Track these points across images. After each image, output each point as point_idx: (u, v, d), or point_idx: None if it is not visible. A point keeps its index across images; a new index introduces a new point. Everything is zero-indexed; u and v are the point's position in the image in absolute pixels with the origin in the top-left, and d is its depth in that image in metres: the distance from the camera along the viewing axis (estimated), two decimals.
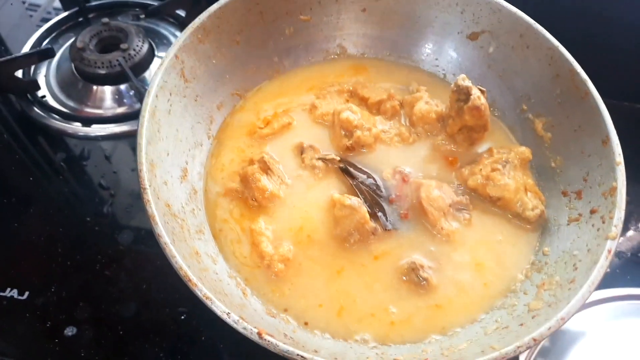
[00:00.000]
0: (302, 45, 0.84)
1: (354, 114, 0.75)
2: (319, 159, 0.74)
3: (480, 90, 0.71)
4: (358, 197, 0.68)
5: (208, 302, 0.51)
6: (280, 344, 0.49)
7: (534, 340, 0.52)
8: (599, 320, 0.78)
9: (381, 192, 0.71)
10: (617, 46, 0.98)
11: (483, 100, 0.70)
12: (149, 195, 0.56)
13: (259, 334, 0.49)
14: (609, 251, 0.58)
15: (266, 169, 0.71)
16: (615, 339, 0.74)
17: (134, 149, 0.96)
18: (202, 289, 0.51)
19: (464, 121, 0.72)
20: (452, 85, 0.72)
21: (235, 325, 0.50)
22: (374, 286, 0.64)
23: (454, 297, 0.64)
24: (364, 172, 0.73)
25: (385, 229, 0.68)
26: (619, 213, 0.60)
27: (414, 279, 0.64)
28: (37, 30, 1.14)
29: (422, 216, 0.69)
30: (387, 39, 0.86)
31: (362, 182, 0.71)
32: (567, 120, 0.72)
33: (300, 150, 0.75)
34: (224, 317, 0.50)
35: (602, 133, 0.66)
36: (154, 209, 0.56)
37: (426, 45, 0.85)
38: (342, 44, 0.87)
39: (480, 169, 0.71)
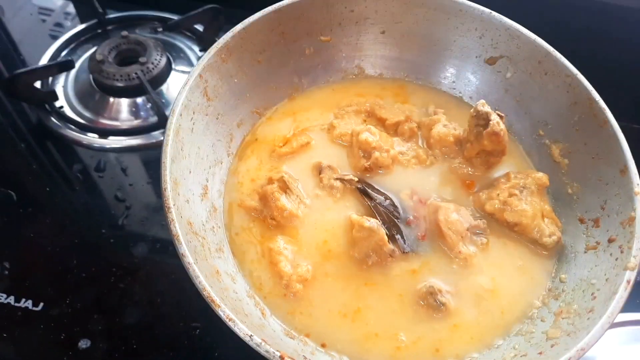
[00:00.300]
0: (322, 65, 0.85)
1: (372, 135, 0.75)
2: (337, 179, 0.74)
3: (499, 115, 0.72)
4: (376, 218, 0.69)
5: (231, 324, 0.51)
6: None
7: None
8: (610, 345, 0.78)
9: (399, 213, 0.72)
10: (629, 68, 0.99)
11: (502, 125, 0.71)
12: (173, 215, 0.57)
13: (282, 357, 0.49)
14: (628, 282, 0.58)
15: (285, 188, 0.71)
16: None
17: (149, 162, 0.98)
18: (225, 311, 0.51)
19: (483, 146, 0.72)
20: (472, 111, 0.73)
21: (257, 348, 0.50)
22: (391, 309, 0.64)
23: (470, 321, 0.64)
24: (382, 194, 0.73)
25: (404, 252, 0.68)
26: (638, 244, 0.60)
27: (432, 303, 0.64)
28: (50, 35, 1.16)
29: (439, 239, 0.69)
30: (405, 61, 0.87)
31: (379, 204, 0.72)
32: (585, 147, 0.73)
33: (319, 170, 0.75)
34: (247, 339, 0.50)
35: (620, 162, 0.66)
36: (178, 228, 0.56)
37: (444, 68, 0.86)
38: (361, 65, 0.88)
39: (498, 194, 0.71)
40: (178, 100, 0.64)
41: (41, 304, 0.77)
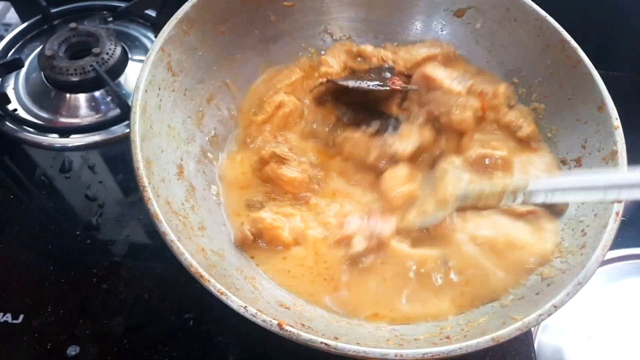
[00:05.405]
0: (288, 31, 0.82)
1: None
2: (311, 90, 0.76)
3: None
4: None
5: (223, 298, 0.48)
6: (302, 334, 0.47)
7: (554, 306, 0.52)
8: (594, 284, 0.79)
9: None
10: (601, 17, 0.99)
11: None
12: (149, 193, 0.53)
13: (279, 324, 0.47)
14: (617, 214, 0.57)
15: (282, 160, 0.69)
16: (611, 302, 0.75)
17: (117, 156, 0.93)
18: (216, 285, 0.49)
19: None
20: None
21: (253, 319, 0.48)
22: None
23: None
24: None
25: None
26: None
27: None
28: None
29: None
30: (373, 21, 0.85)
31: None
32: (560, 89, 0.73)
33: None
34: (241, 310, 0.48)
35: (597, 99, 0.66)
36: (156, 206, 0.53)
37: (413, 25, 0.85)
38: (328, 28, 0.85)
39: None
40: (142, 76, 0.60)
41: (21, 316, 0.73)
